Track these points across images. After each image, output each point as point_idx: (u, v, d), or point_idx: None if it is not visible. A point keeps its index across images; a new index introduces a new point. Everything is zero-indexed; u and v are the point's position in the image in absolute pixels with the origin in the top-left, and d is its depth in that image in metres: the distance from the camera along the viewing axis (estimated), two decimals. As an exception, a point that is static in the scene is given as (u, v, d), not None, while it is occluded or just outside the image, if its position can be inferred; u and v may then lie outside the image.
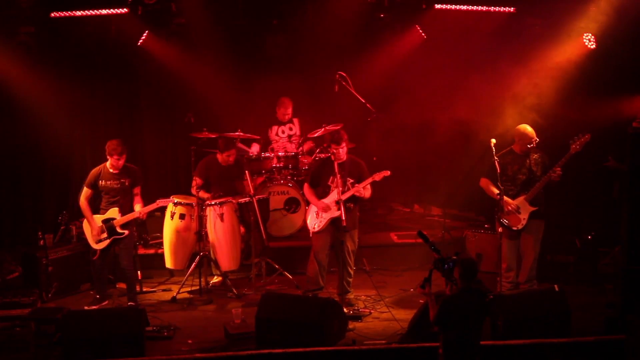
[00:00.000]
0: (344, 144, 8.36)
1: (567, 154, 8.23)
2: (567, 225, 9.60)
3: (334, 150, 8.35)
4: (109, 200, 8.50)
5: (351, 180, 8.41)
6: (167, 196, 8.98)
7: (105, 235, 8.48)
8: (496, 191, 8.29)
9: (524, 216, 8.38)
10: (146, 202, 8.65)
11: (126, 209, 8.52)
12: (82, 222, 8.78)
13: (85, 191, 8.51)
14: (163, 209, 9.43)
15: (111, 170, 8.48)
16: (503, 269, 8.44)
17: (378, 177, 8.38)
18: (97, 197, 8.56)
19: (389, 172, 8.39)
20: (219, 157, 9.39)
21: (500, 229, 8.34)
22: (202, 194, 9.06)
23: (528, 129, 8.42)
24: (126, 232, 8.50)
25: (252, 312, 7.63)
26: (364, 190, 8.36)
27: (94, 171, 8.53)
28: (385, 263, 9.92)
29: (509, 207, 8.34)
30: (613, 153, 9.23)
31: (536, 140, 8.38)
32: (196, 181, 9.26)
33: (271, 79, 11.23)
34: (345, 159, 8.45)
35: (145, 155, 11.14)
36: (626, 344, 6.97)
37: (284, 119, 10.64)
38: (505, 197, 8.28)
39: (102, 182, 8.47)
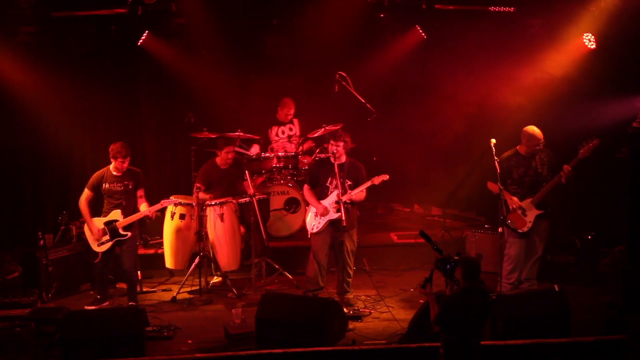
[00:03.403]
0: (341, 143, 8.37)
1: (574, 158, 8.23)
2: (567, 225, 9.60)
3: (331, 146, 8.36)
4: (112, 203, 8.51)
5: (349, 183, 8.42)
6: (167, 196, 8.97)
7: (107, 237, 8.49)
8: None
9: (529, 219, 8.38)
10: (148, 201, 8.65)
11: (129, 211, 8.52)
12: (82, 224, 8.78)
13: (87, 193, 8.52)
14: (163, 209, 9.44)
15: (114, 173, 8.48)
16: (508, 270, 8.43)
17: (377, 180, 8.39)
18: (99, 200, 8.57)
19: (387, 176, 8.40)
20: (218, 159, 9.40)
21: (500, 229, 8.34)
22: (202, 196, 9.05)
23: (536, 130, 8.39)
24: (129, 233, 8.50)
25: (252, 312, 7.63)
26: (356, 195, 8.37)
27: (97, 174, 8.54)
28: (385, 263, 9.93)
29: (513, 206, 8.33)
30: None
31: (543, 142, 8.37)
32: (196, 186, 9.23)
33: (271, 79, 11.24)
34: (344, 160, 8.47)
35: (145, 156, 11.12)
36: (626, 344, 6.97)
37: (286, 120, 10.64)
38: (506, 193, 8.27)
39: (105, 185, 8.47)
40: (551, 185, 8.35)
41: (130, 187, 8.51)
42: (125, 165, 8.45)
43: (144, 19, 10.09)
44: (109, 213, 8.50)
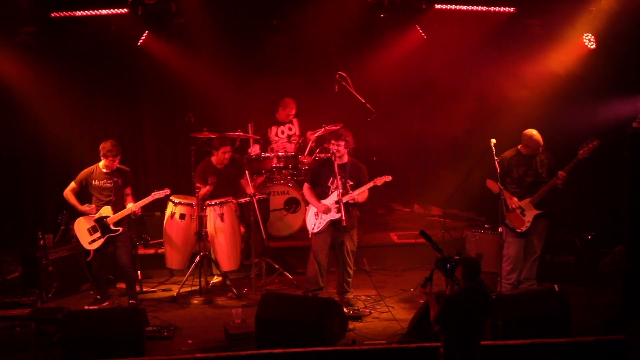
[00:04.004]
0: (342, 142, 8.36)
1: (574, 159, 8.22)
2: (567, 225, 9.60)
3: (332, 146, 8.36)
4: (102, 200, 8.55)
5: (350, 183, 8.41)
6: (166, 197, 8.97)
7: (99, 234, 8.50)
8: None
9: (528, 219, 8.38)
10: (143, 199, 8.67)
11: (118, 207, 8.56)
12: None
13: (72, 186, 8.58)
14: (163, 209, 9.46)
15: (104, 171, 8.55)
16: (507, 270, 8.43)
17: (379, 181, 8.38)
18: (88, 197, 8.59)
19: (390, 177, 8.40)
20: (214, 158, 9.39)
21: (500, 229, 8.34)
22: (204, 191, 9.04)
23: (535, 134, 8.39)
24: (120, 229, 8.52)
25: (252, 312, 7.64)
26: (358, 196, 8.37)
27: (86, 171, 8.61)
28: (385, 263, 9.93)
29: (513, 205, 8.33)
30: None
31: (542, 146, 8.38)
32: (201, 189, 9.12)
33: (271, 79, 11.23)
34: (346, 160, 8.47)
35: (145, 155, 11.14)
36: (626, 344, 6.97)
37: (287, 120, 10.63)
38: (506, 193, 8.27)
39: (95, 182, 8.53)
40: (550, 187, 8.35)
41: (119, 183, 8.58)
42: (115, 163, 8.53)
43: (144, 19, 10.08)
44: (98, 210, 8.52)
